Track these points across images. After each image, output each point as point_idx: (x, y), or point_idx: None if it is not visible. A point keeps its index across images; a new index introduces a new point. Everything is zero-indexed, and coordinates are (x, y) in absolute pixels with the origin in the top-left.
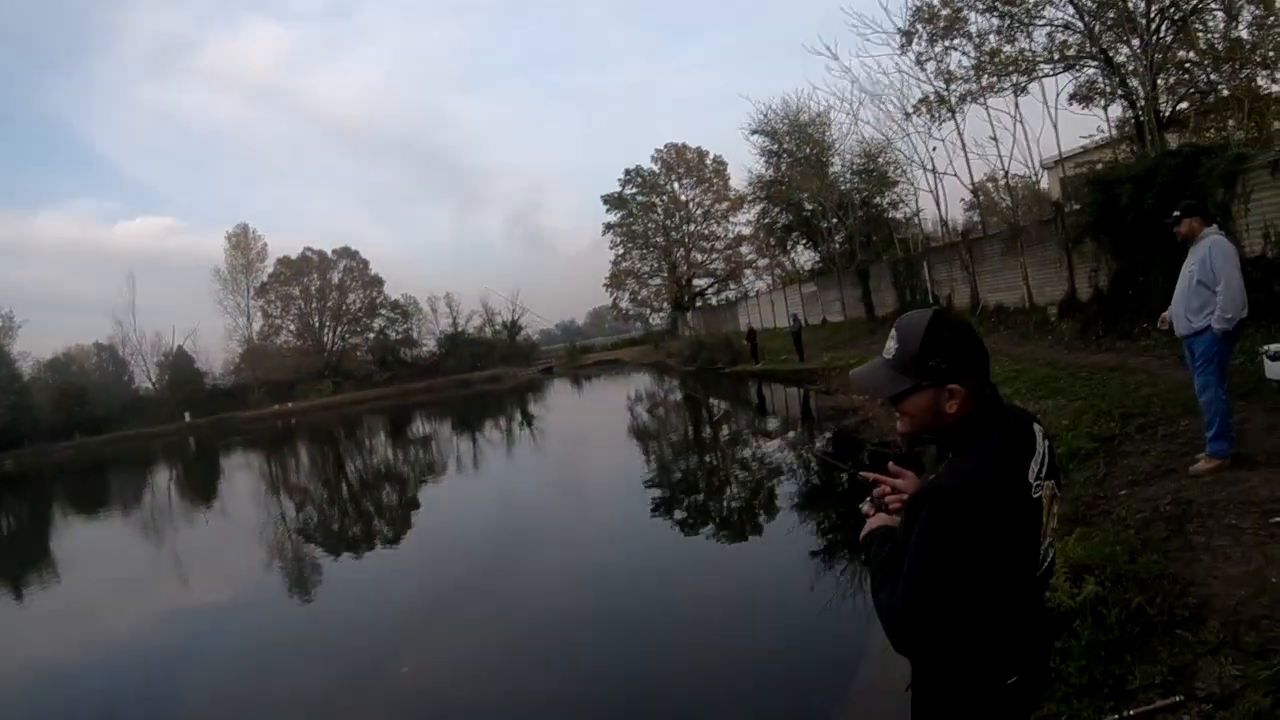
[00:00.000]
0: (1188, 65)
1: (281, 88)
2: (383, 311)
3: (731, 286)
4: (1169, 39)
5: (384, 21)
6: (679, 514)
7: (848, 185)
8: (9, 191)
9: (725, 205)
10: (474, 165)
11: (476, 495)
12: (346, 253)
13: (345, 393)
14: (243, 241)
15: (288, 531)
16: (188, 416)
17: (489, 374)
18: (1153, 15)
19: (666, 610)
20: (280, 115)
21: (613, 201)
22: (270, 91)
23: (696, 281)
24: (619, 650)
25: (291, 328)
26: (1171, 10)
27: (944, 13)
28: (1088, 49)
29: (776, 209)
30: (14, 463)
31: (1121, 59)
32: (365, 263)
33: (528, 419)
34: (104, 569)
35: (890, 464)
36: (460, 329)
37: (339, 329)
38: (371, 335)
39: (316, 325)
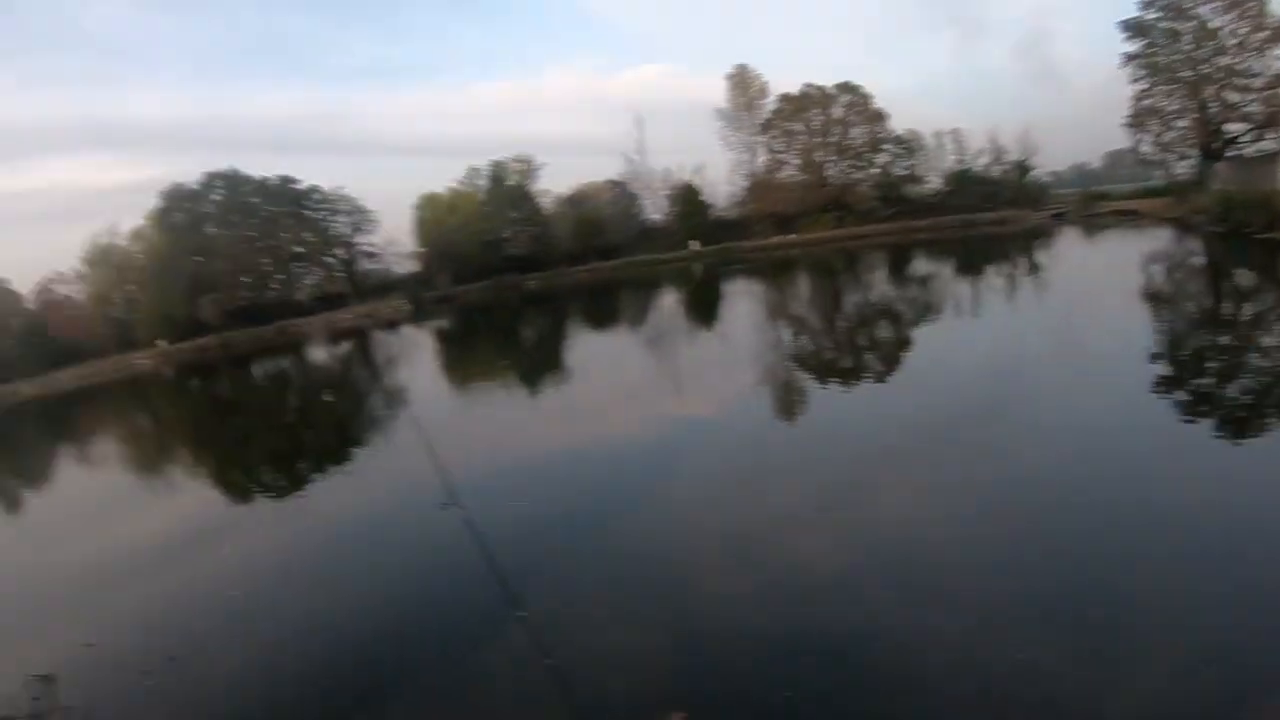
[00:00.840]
0: None
1: None
2: (886, 147)
3: (1270, 135)
4: None
5: None
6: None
7: None
8: (521, 55)
9: (1264, 35)
10: None
11: (969, 342)
12: (847, 88)
13: (846, 227)
14: (742, 81)
15: (782, 356)
16: (695, 245)
17: (996, 215)
18: None
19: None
20: None
21: (1133, 28)
22: None
23: (1229, 126)
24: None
25: (794, 162)
26: None
27: None
28: None
29: None
30: (537, 283)
31: None
32: (867, 97)
33: (1034, 268)
34: (610, 376)
35: None
36: (967, 167)
37: (842, 164)
38: (875, 170)
39: (819, 160)
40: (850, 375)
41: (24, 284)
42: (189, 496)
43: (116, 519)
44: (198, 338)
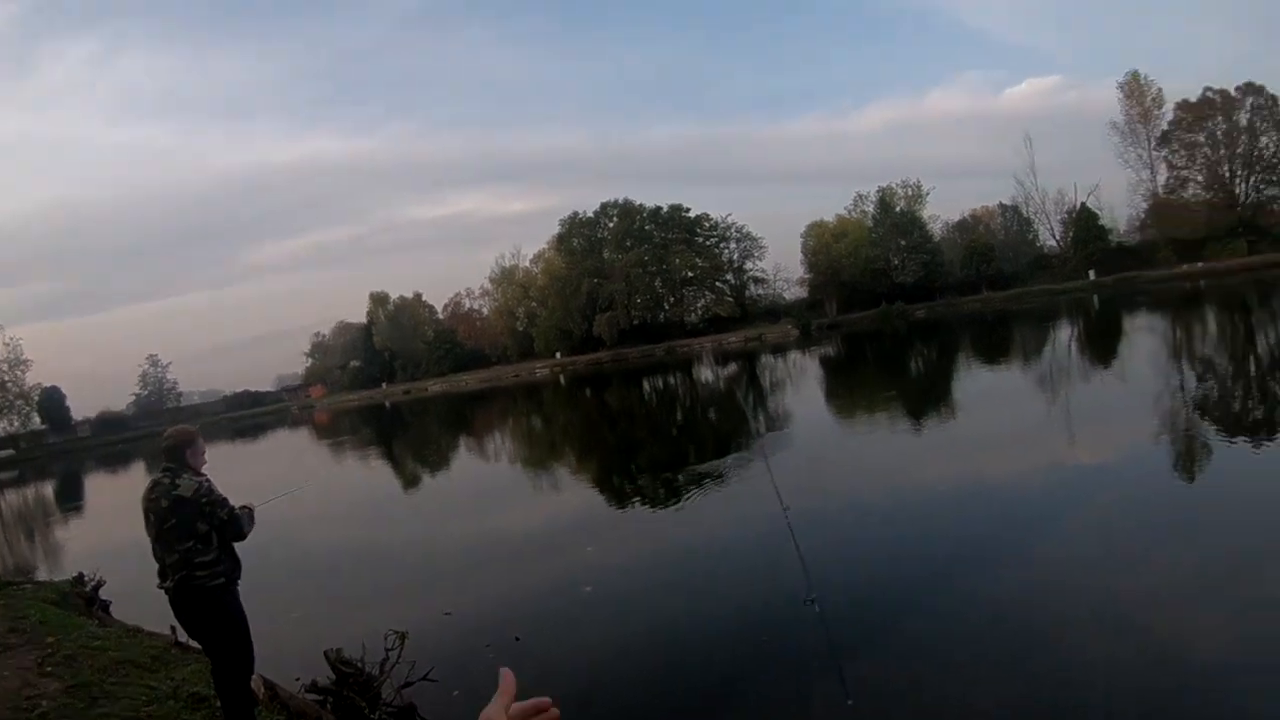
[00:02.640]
0: None
1: None
2: None
3: None
4: None
5: None
6: None
7: None
8: (904, 77)
9: None
10: None
11: None
12: (1252, 88)
13: (1261, 253)
14: (1135, 89)
15: (1185, 403)
16: (1092, 274)
17: None
18: None
19: None
20: None
21: None
22: None
23: None
24: None
25: (1199, 179)
26: None
27: None
28: None
29: None
30: (926, 312)
31: None
32: (1274, 98)
33: None
34: (996, 413)
35: None
36: None
37: (1252, 178)
38: None
39: (1226, 175)
40: (1263, 431)
41: (437, 299)
42: (568, 494)
43: (498, 506)
44: (592, 352)
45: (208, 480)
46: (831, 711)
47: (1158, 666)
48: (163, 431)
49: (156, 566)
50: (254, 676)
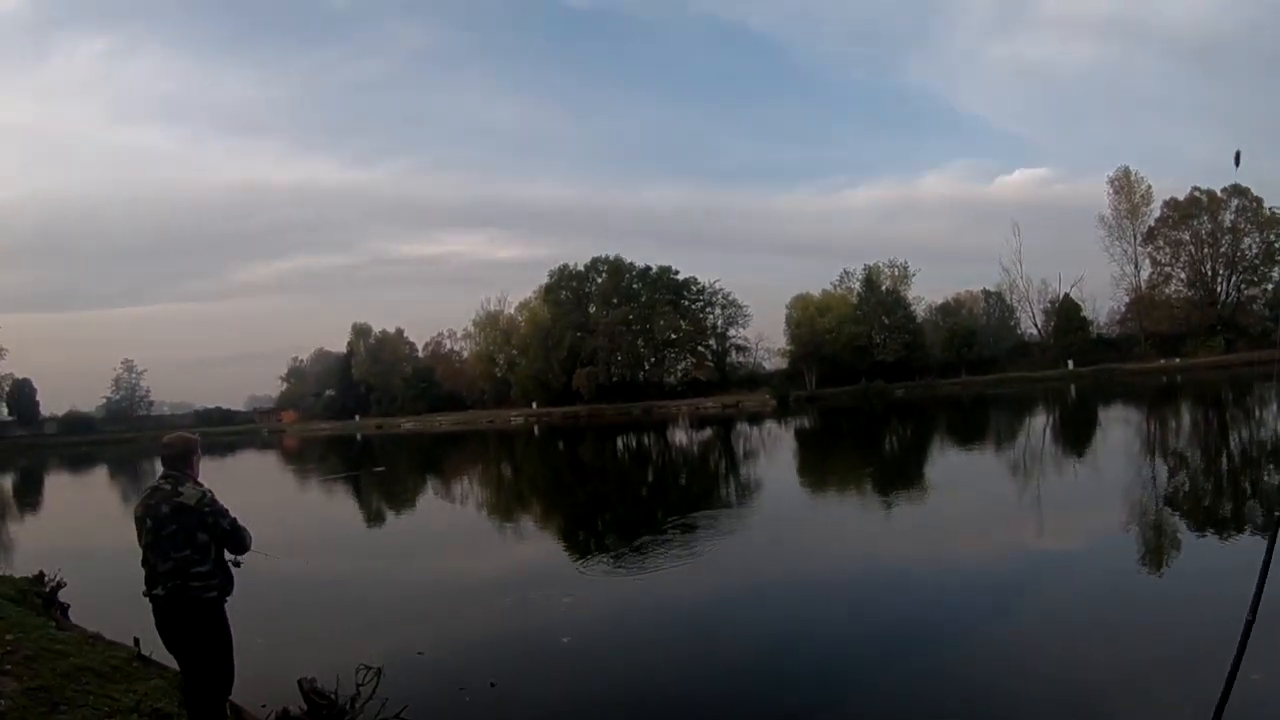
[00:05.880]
0: None
1: (1131, 18)
2: None
3: None
4: None
5: None
6: None
7: None
8: (898, 159)
9: None
10: None
11: None
12: (1237, 190)
13: (1237, 351)
14: (1125, 185)
15: (1153, 496)
16: (1070, 364)
17: None
18: None
19: None
20: (1136, 47)
21: None
22: (1120, 24)
23: None
24: None
25: (1181, 276)
26: None
27: None
28: None
29: None
30: (905, 392)
31: None
32: (1258, 201)
33: None
34: (965, 496)
35: None
36: None
37: (1233, 278)
38: (1269, 287)
39: (1208, 273)
40: (1230, 526)
41: (418, 336)
42: (542, 544)
43: (473, 550)
44: (568, 405)
45: (210, 491)
46: None
47: None
48: (133, 438)
49: (144, 573)
50: None
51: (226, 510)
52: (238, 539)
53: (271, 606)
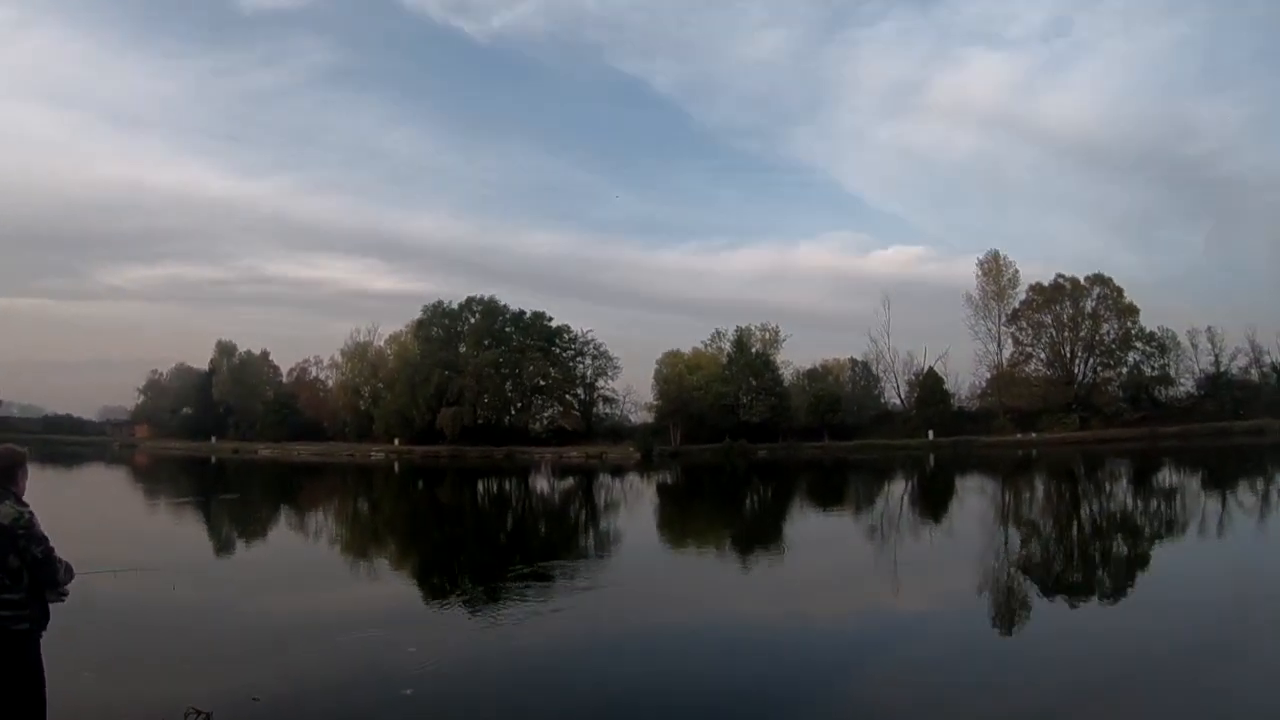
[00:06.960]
0: None
1: (1012, 114)
2: (1137, 344)
3: None
4: None
5: (1105, 29)
6: None
7: None
8: (780, 226)
9: None
10: (1230, 177)
11: (1213, 566)
12: (1099, 279)
13: (1091, 429)
14: (994, 268)
15: (1006, 562)
16: (931, 434)
17: (1251, 424)
18: None
19: None
20: (1016, 141)
21: None
22: (1002, 119)
23: None
24: None
25: (1041, 355)
26: None
27: None
28: None
29: None
30: (768, 453)
31: None
32: (1119, 290)
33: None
34: (823, 558)
35: None
36: (1223, 369)
37: (1090, 360)
38: (1124, 370)
39: (1067, 355)
40: (1078, 591)
41: (284, 360)
42: (390, 585)
43: (317, 587)
44: (431, 444)
45: (30, 512)
46: None
47: None
48: None
49: None
50: None
51: (45, 537)
52: (49, 570)
53: (105, 632)
